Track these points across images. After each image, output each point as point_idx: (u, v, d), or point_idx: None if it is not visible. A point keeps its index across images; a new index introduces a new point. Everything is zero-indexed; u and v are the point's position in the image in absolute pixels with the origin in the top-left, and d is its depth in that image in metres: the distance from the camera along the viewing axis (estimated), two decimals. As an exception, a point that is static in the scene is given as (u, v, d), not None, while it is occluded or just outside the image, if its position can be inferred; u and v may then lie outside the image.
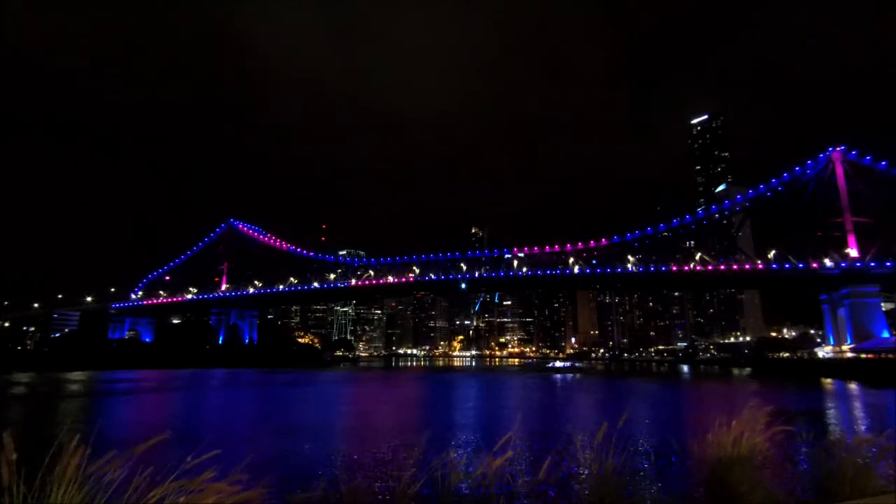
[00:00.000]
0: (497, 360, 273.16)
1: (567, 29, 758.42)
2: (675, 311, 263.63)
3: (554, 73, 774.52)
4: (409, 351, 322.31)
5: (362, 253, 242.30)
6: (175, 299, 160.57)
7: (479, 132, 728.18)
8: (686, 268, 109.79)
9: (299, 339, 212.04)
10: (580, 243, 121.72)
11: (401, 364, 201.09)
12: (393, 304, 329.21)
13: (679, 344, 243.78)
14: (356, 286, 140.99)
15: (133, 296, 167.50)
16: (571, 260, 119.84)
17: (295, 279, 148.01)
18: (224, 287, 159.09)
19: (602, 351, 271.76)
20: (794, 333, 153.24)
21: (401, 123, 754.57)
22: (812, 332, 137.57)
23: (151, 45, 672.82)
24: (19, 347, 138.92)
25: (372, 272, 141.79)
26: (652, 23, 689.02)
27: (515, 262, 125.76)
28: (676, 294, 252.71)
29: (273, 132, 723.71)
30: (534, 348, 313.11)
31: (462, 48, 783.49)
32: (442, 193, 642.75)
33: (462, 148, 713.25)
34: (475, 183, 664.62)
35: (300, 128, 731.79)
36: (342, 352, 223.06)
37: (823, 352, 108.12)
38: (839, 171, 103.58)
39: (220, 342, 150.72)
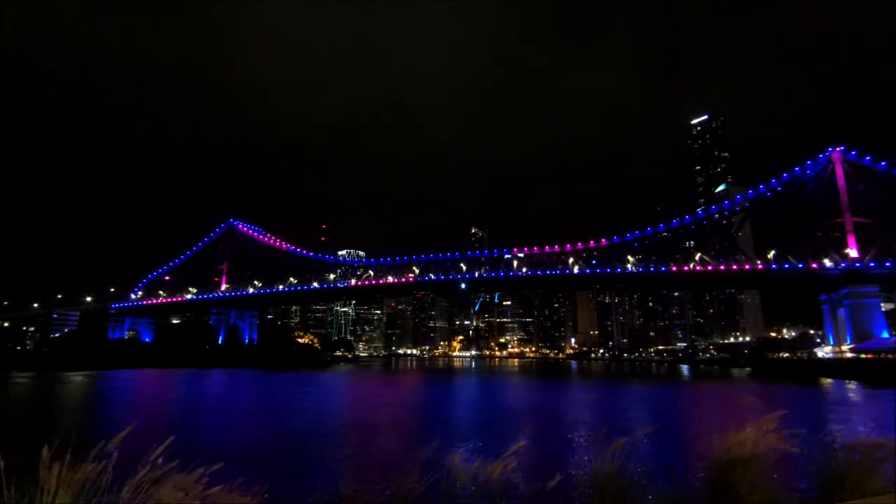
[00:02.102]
0: (497, 359, 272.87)
1: (577, 27, 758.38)
2: (674, 312, 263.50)
3: (558, 73, 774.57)
4: (408, 351, 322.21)
5: (362, 253, 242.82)
6: (175, 299, 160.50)
7: (481, 132, 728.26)
8: (686, 268, 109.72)
9: (299, 340, 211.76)
10: (580, 243, 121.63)
11: (400, 364, 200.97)
12: (393, 304, 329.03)
13: (679, 344, 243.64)
14: (356, 286, 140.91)
15: (133, 296, 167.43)
16: (571, 260, 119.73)
17: (295, 279, 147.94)
18: (224, 287, 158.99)
19: (602, 351, 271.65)
20: (793, 333, 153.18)
21: (406, 118, 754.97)
22: (812, 332, 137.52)
23: (151, 45, 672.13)
24: (19, 347, 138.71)
25: (371, 272, 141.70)
26: (653, 23, 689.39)
27: (515, 263, 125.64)
28: (676, 294, 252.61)
29: (273, 132, 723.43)
30: (533, 348, 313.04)
31: (472, 44, 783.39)
32: (443, 192, 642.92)
33: (464, 146, 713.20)
34: (476, 182, 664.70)
35: (300, 127, 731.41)
36: (342, 352, 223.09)
37: (823, 352, 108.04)
38: (839, 171, 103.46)
39: (220, 342, 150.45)
